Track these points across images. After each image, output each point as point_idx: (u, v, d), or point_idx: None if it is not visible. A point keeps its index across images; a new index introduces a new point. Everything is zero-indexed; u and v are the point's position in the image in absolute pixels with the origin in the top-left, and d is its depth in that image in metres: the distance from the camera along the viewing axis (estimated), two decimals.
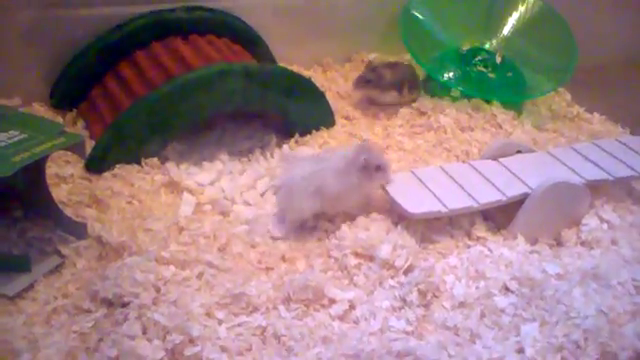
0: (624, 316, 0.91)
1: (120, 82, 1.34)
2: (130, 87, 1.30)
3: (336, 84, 1.60)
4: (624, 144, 1.25)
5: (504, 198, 1.09)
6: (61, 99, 1.37)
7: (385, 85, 1.49)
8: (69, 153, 1.14)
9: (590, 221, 1.12)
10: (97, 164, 1.18)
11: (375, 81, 1.49)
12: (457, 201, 1.08)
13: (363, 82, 1.50)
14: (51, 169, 1.14)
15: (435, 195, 1.09)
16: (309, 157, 1.21)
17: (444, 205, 1.06)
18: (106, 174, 1.18)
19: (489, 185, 1.12)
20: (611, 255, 1.05)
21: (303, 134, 1.35)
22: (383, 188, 1.10)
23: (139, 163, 1.21)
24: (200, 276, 0.98)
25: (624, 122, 1.54)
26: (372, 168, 1.07)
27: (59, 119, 1.34)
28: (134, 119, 1.19)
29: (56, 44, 1.35)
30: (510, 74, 1.62)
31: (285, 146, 1.31)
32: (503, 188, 1.10)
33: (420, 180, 1.13)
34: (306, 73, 1.59)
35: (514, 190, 1.10)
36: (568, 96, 1.68)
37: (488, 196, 1.09)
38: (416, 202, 1.06)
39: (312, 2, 1.60)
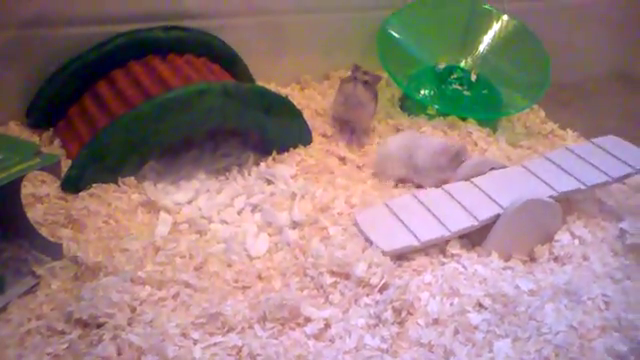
0: (594, 331, 0.93)
1: (98, 101, 1.33)
2: (108, 106, 1.30)
3: (314, 102, 1.60)
4: (599, 146, 1.25)
5: (476, 223, 1.10)
6: (38, 118, 1.37)
7: (373, 94, 1.45)
8: (45, 173, 1.13)
9: (562, 237, 1.13)
10: (73, 184, 1.18)
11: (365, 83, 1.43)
12: (430, 232, 1.10)
13: (351, 79, 1.43)
14: (27, 189, 1.14)
15: (408, 228, 1.11)
16: (403, 135, 1.39)
17: (417, 238, 1.09)
18: (82, 194, 1.17)
19: (462, 210, 1.13)
20: (582, 271, 1.07)
21: (280, 152, 1.36)
22: (355, 223, 1.14)
23: (116, 182, 1.21)
24: (176, 296, 0.98)
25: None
26: (460, 160, 1.28)
27: (35, 138, 1.33)
28: (111, 138, 1.19)
29: (33, 63, 1.35)
30: (485, 92, 1.65)
31: (262, 164, 1.32)
32: (476, 212, 1.12)
33: (393, 212, 1.15)
34: (284, 91, 1.60)
35: (486, 213, 1.11)
36: (542, 113, 1.71)
37: (460, 223, 1.11)
38: (388, 238, 1.09)
39: (290, 20, 1.62)
